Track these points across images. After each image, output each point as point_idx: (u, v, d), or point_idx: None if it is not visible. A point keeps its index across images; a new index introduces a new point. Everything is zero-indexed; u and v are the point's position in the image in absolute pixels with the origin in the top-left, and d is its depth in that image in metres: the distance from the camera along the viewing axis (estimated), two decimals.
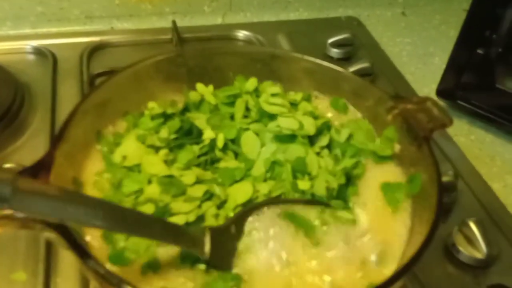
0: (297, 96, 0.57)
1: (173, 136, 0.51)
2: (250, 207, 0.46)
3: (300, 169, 0.49)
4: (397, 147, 0.51)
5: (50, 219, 0.35)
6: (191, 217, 0.44)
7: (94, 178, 0.48)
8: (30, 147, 0.66)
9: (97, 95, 0.49)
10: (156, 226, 0.40)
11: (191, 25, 0.92)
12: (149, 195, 0.46)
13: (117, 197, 0.47)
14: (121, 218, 0.37)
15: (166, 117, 0.53)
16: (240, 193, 0.47)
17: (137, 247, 0.43)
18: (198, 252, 0.41)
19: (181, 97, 0.57)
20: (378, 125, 0.55)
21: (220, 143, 0.51)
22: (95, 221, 0.35)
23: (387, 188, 0.49)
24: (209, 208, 0.46)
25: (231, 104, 0.55)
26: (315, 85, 0.59)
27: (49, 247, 0.54)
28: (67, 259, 0.53)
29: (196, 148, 0.51)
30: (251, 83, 0.57)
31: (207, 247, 0.41)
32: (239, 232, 0.45)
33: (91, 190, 0.47)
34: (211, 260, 0.42)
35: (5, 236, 0.55)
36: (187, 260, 0.43)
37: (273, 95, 0.55)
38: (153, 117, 0.53)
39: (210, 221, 0.45)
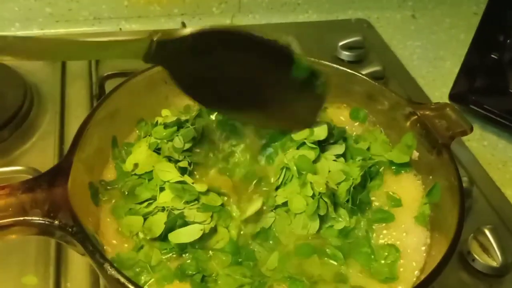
0: None
1: (187, 145, 0.51)
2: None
3: (305, 168, 0.49)
4: (415, 154, 0.51)
5: None
6: (207, 228, 0.44)
7: (108, 186, 0.48)
8: (39, 149, 0.66)
9: (112, 99, 0.49)
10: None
11: None
12: (162, 203, 0.46)
13: (129, 205, 0.47)
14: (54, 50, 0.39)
15: (179, 125, 0.52)
16: (249, 205, 0.47)
17: (148, 259, 0.43)
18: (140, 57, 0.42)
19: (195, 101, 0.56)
20: (393, 131, 0.54)
21: None
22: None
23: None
24: (220, 219, 0.46)
25: None
26: (331, 89, 0.58)
27: (59, 251, 0.54)
28: (77, 263, 0.53)
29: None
30: None
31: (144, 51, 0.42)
32: (205, 48, 0.44)
33: (106, 197, 0.47)
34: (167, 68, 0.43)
35: (16, 240, 0.54)
36: None
37: None
38: (166, 126, 0.52)
39: (222, 232, 0.45)
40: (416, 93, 0.80)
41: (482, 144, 0.76)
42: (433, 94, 0.82)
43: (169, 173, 0.48)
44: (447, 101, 0.77)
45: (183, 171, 0.49)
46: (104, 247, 0.42)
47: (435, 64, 0.91)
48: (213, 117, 0.54)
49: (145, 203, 0.46)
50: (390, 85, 0.79)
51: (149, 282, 0.42)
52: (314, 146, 0.50)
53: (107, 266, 0.35)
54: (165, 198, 0.46)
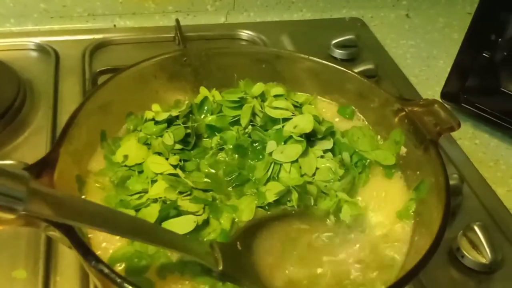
0: (300, 97, 0.57)
1: (177, 146, 0.51)
2: (251, 224, 0.46)
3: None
4: (403, 150, 0.51)
5: (55, 220, 0.34)
6: (200, 220, 0.44)
7: (97, 177, 0.48)
8: (31, 144, 0.66)
9: (102, 92, 0.48)
10: (164, 235, 0.39)
11: (193, 24, 0.92)
12: (154, 195, 0.46)
13: (120, 197, 0.46)
14: (129, 226, 0.37)
15: (169, 122, 0.52)
16: (244, 213, 0.47)
17: (145, 248, 0.43)
18: (211, 264, 0.40)
19: (185, 96, 0.56)
20: (383, 128, 0.55)
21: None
22: (103, 227, 0.35)
23: None
24: (212, 212, 0.46)
25: (235, 108, 0.54)
26: (320, 86, 0.58)
27: (49, 245, 0.54)
28: (67, 257, 0.53)
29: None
30: (258, 88, 0.56)
31: (219, 260, 0.40)
32: (247, 248, 0.44)
33: (94, 189, 0.47)
34: (225, 273, 0.40)
35: (6, 233, 0.54)
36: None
37: (276, 96, 0.55)
38: (156, 122, 0.52)
39: (214, 224, 0.45)
40: (408, 92, 0.80)
41: (474, 142, 0.76)
42: (425, 93, 0.82)
43: (162, 165, 0.48)
44: (439, 99, 0.78)
45: (174, 167, 0.49)
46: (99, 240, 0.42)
47: (428, 63, 0.91)
48: (202, 117, 0.55)
49: (137, 195, 0.46)
50: (382, 84, 0.79)
51: (150, 270, 0.41)
52: (301, 139, 0.50)
53: (91, 258, 0.35)
54: (158, 189, 0.46)
